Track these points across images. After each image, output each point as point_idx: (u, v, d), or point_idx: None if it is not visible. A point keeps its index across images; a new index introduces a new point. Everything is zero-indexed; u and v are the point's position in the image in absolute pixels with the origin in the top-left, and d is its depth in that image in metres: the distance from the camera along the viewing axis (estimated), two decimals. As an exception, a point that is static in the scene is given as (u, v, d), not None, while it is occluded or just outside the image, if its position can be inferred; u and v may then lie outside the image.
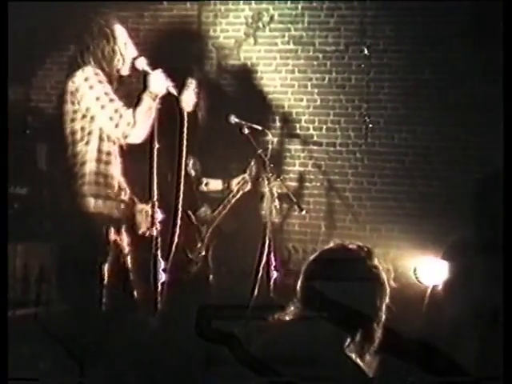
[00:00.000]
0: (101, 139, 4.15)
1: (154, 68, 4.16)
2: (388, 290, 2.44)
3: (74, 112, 4.15)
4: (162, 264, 4.01)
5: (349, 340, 2.36)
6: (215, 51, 6.42)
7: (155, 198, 4.07)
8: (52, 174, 5.15)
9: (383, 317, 2.42)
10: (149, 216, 4.11)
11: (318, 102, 6.20)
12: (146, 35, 6.30)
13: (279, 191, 5.17)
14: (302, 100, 6.24)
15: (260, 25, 6.31)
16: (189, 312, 2.49)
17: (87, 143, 4.14)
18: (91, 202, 4.13)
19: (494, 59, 5.05)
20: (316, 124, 6.21)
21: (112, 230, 4.17)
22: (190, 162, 5.23)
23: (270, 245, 4.91)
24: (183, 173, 4.26)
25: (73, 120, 4.16)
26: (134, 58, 4.20)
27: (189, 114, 4.40)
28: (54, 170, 4.96)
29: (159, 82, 4.12)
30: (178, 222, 4.19)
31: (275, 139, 6.07)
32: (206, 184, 5.51)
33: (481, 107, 5.66)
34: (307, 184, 6.21)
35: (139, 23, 6.42)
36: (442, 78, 5.87)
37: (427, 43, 5.90)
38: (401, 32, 5.98)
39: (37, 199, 5.40)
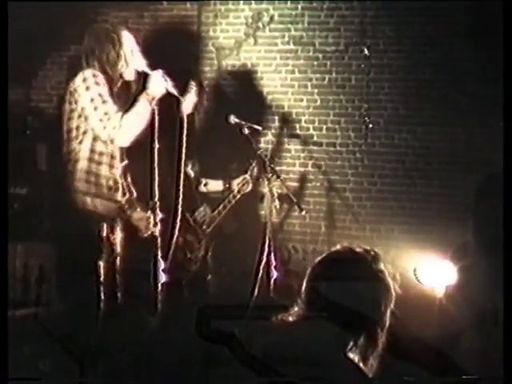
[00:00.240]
0: (94, 139, 4.18)
1: (153, 68, 4.17)
2: (393, 296, 2.42)
3: (72, 111, 4.19)
4: (162, 264, 4.02)
5: (352, 343, 2.35)
6: (215, 51, 6.42)
7: (156, 198, 4.09)
8: (52, 173, 5.15)
9: (387, 322, 2.40)
10: (149, 221, 4.17)
11: (318, 102, 6.20)
12: (146, 35, 6.30)
13: (279, 191, 5.17)
14: (301, 100, 6.23)
15: (260, 25, 6.31)
16: (189, 312, 2.49)
17: (81, 142, 4.18)
18: (82, 199, 4.17)
19: (494, 59, 5.06)
20: (316, 124, 6.20)
21: (105, 228, 4.18)
22: (190, 163, 5.23)
23: (270, 245, 4.90)
24: (183, 173, 4.27)
25: (69, 119, 4.20)
26: (138, 64, 4.22)
27: (189, 114, 4.40)
28: (53, 170, 4.96)
29: (158, 84, 4.13)
30: (178, 222, 4.20)
31: (275, 139, 6.08)
32: (205, 184, 5.51)
33: (481, 107, 5.66)
34: (307, 184, 6.20)
35: (139, 23, 6.42)
36: (441, 78, 5.86)
37: (427, 43, 5.89)
38: (401, 32, 5.97)
39: (37, 199, 5.39)
